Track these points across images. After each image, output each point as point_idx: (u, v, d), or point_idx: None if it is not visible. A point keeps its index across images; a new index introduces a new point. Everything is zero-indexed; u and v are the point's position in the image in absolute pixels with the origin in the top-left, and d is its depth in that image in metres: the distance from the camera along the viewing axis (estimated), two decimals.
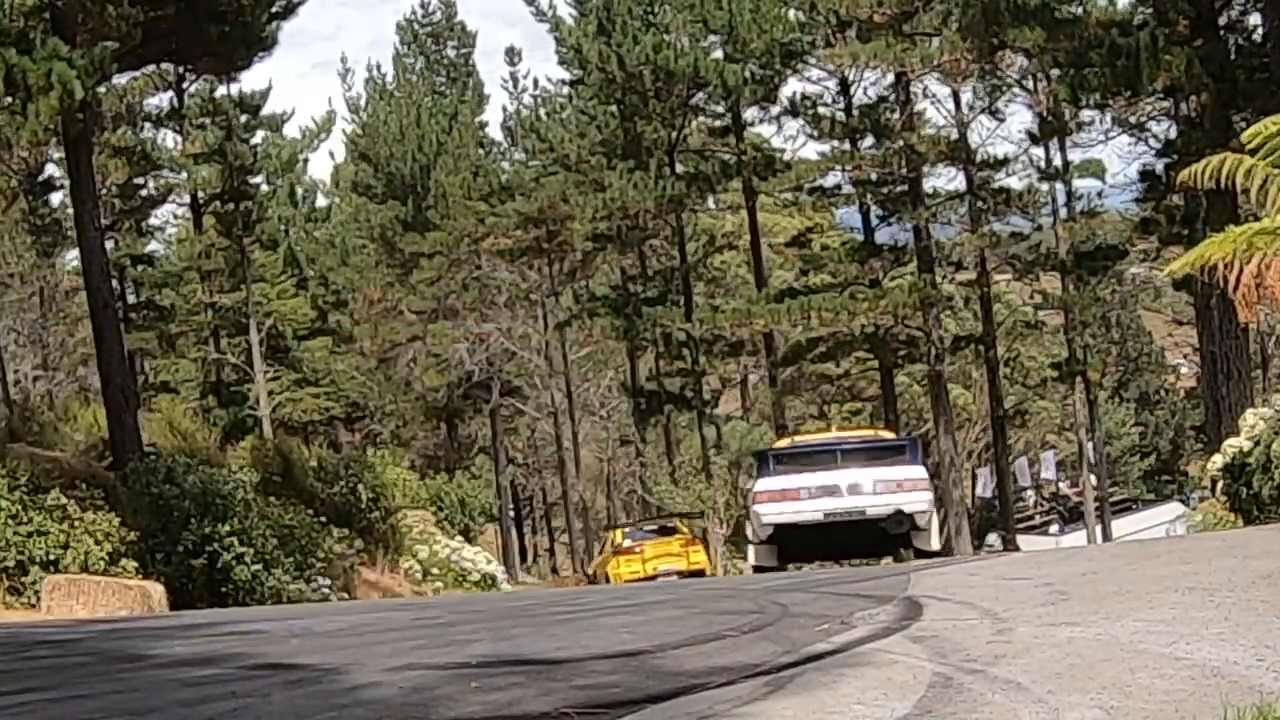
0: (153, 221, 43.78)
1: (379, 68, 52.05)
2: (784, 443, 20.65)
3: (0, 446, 15.37)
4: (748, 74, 37.70)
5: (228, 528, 14.32)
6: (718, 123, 40.52)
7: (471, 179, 45.01)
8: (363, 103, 50.73)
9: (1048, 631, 5.64)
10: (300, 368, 42.82)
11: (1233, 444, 15.17)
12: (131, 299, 41.24)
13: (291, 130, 45.59)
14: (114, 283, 31.41)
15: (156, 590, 13.22)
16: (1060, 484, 49.72)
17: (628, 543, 28.65)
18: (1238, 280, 10.53)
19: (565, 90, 44.60)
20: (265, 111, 40.60)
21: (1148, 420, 58.19)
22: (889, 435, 22.73)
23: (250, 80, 38.63)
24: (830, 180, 39.34)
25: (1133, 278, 53.24)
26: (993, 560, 13.78)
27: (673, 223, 40.43)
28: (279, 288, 42.43)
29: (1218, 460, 15.51)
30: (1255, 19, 29.72)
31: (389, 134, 47.41)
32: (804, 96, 38.38)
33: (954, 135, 36.76)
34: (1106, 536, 36.74)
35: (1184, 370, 59.85)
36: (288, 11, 20.25)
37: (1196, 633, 5.20)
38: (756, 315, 36.37)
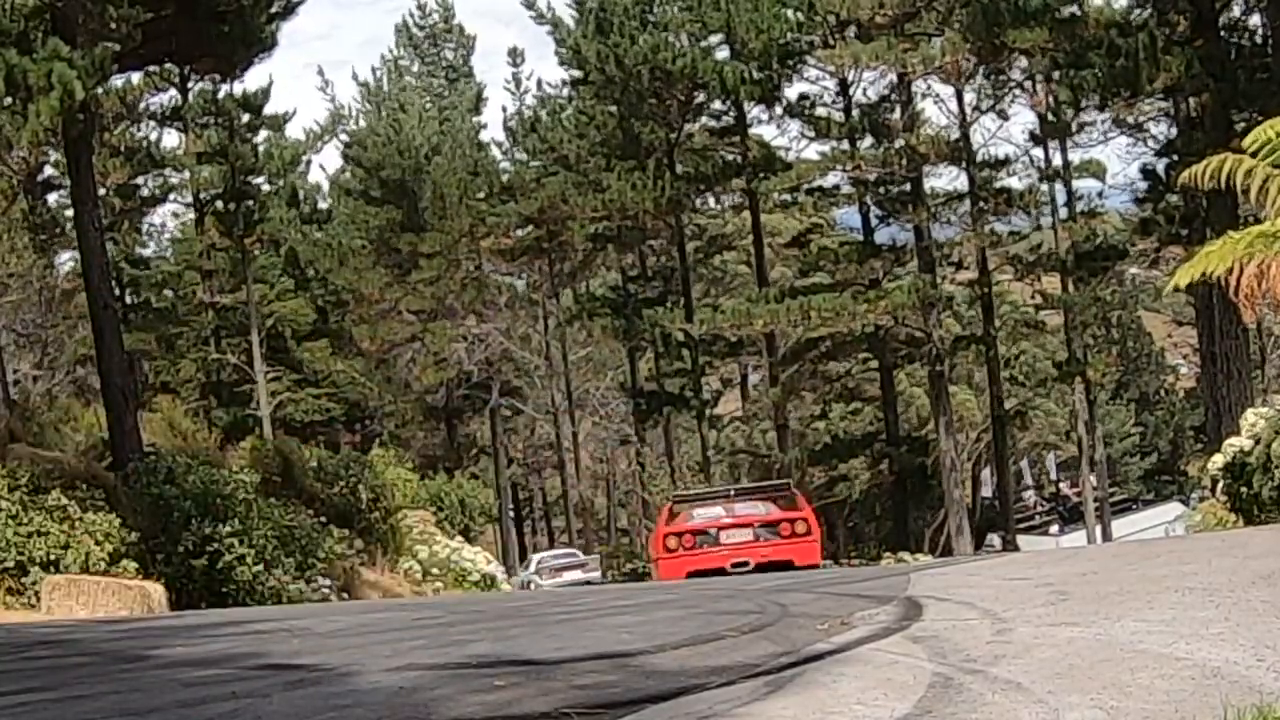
0: (153, 221, 43.85)
1: (373, 72, 52.19)
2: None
3: (0, 447, 15.36)
4: (747, 74, 37.69)
5: (228, 528, 14.32)
6: (719, 123, 40.53)
7: (469, 179, 45.03)
8: (357, 105, 50.81)
9: (1048, 631, 5.64)
10: (300, 368, 42.80)
11: (1233, 443, 15.19)
12: (131, 299, 41.24)
13: (293, 131, 45.67)
14: (114, 283, 31.40)
15: (156, 590, 13.22)
16: (1060, 484, 49.72)
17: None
18: (1238, 283, 10.53)
19: (565, 91, 44.65)
20: (267, 111, 40.64)
21: (1148, 420, 58.16)
22: None
23: (252, 80, 38.63)
24: (830, 180, 39.39)
25: (1133, 278, 53.22)
26: (992, 560, 13.78)
27: (672, 223, 40.43)
28: (279, 288, 42.43)
29: (1218, 460, 15.53)
30: (1255, 19, 29.75)
31: (384, 136, 47.47)
32: (803, 96, 38.42)
33: (955, 135, 36.74)
34: (1106, 536, 36.73)
35: (1184, 370, 59.82)
36: (287, 11, 20.26)
37: (1196, 633, 5.19)
38: (757, 315, 36.35)
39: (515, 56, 55.79)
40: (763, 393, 41.67)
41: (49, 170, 35.26)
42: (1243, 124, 25.27)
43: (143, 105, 38.03)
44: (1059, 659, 4.95)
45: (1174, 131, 32.35)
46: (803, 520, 18.20)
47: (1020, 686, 4.49)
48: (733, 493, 20.66)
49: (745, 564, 17.08)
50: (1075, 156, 38.11)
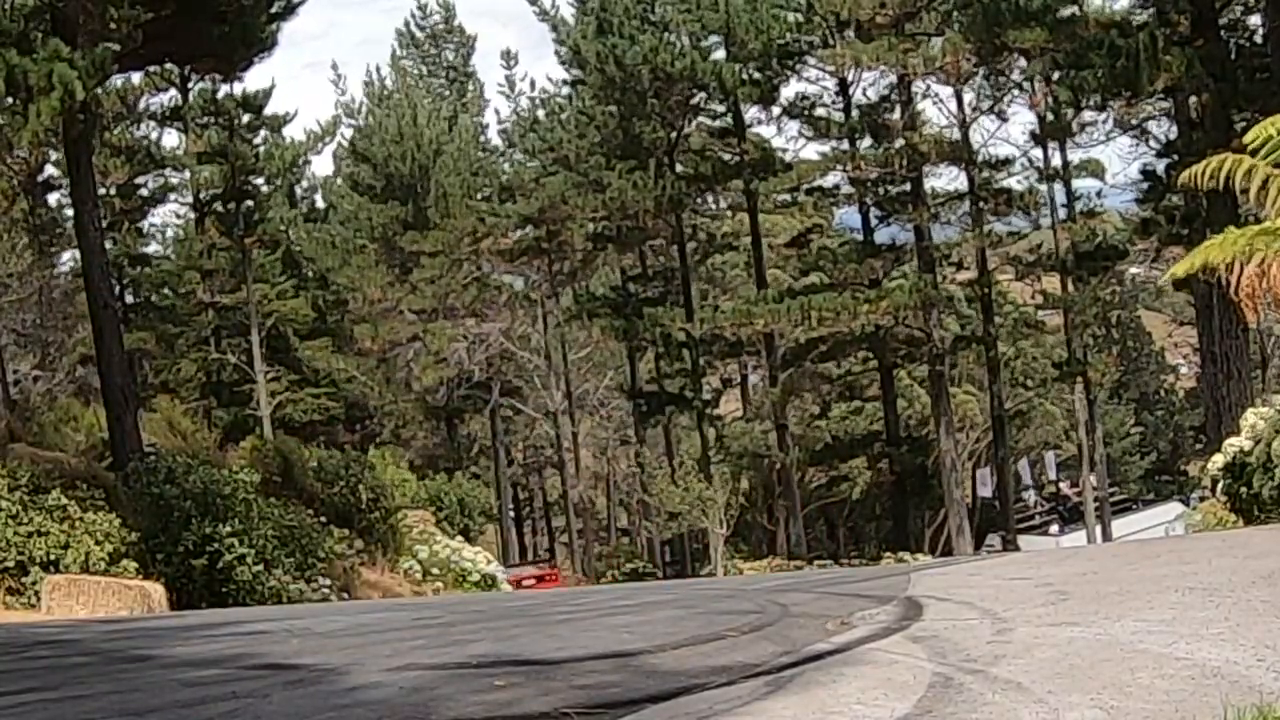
0: (153, 221, 43.87)
1: (377, 71, 52.13)
2: None
3: (0, 447, 15.36)
4: (745, 75, 37.68)
5: (228, 528, 14.31)
6: (718, 123, 40.51)
7: (471, 179, 44.99)
8: (360, 104, 50.76)
9: (1048, 631, 5.64)
10: (300, 368, 42.78)
11: (1233, 443, 15.18)
12: (131, 299, 41.23)
13: (293, 131, 45.66)
14: (114, 283, 31.40)
15: (156, 590, 13.22)
16: (1060, 484, 49.68)
17: None
18: (1238, 282, 10.51)
19: (565, 90, 44.64)
20: (267, 112, 40.62)
21: (1148, 420, 58.16)
22: None
23: (253, 80, 38.65)
24: (830, 180, 39.37)
25: (1133, 278, 53.21)
26: (992, 560, 13.78)
27: (672, 223, 40.41)
28: (279, 288, 42.39)
29: (1218, 460, 15.51)
30: (1255, 19, 29.73)
31: (387, 135, 47.42)
32: (803, 97, 38.40)
33: (955, 135, 36.72)
34: (1106, 536, 36.73)
35: (1184, 370, 59.84)
36: (287, 12, 20.29)
37: (1196, 633, 5.19)
38: (757, 315, 36.33)
39: (509, 59, 55.96)
40: (763, 393, 41.64)
41: (49, 170, 35.27)
42: (1243, 124, 25.23)
43: (143, 105, 38.06)
44: (1059, 659, 4.95)
45: (1174, 131, 32.32)
46: (552, 575, 35.69)
47: (1020, 686, 4.49)
48: (532, 563, 43.66)
49: None
50: (1075, 156, 38.11)
